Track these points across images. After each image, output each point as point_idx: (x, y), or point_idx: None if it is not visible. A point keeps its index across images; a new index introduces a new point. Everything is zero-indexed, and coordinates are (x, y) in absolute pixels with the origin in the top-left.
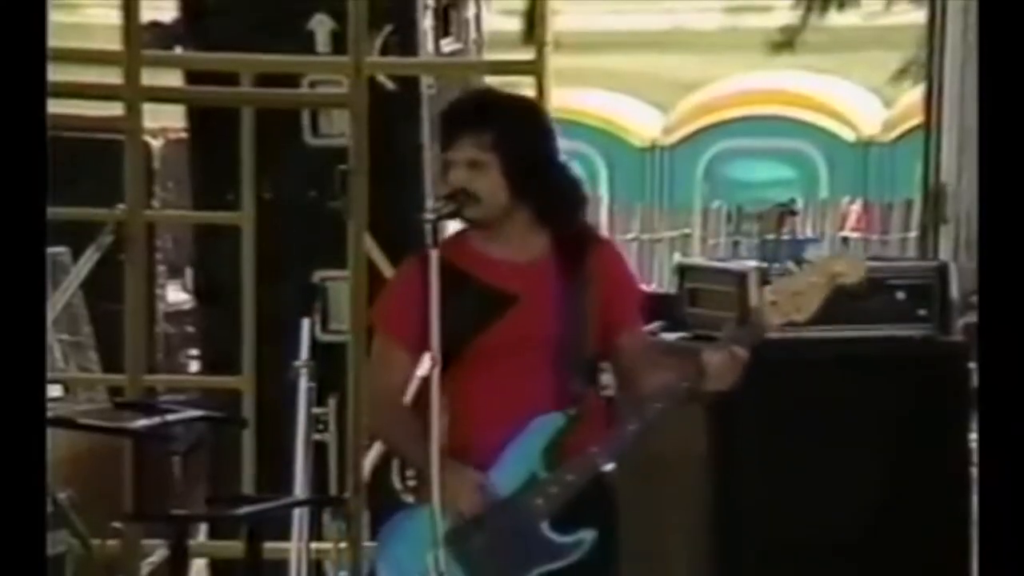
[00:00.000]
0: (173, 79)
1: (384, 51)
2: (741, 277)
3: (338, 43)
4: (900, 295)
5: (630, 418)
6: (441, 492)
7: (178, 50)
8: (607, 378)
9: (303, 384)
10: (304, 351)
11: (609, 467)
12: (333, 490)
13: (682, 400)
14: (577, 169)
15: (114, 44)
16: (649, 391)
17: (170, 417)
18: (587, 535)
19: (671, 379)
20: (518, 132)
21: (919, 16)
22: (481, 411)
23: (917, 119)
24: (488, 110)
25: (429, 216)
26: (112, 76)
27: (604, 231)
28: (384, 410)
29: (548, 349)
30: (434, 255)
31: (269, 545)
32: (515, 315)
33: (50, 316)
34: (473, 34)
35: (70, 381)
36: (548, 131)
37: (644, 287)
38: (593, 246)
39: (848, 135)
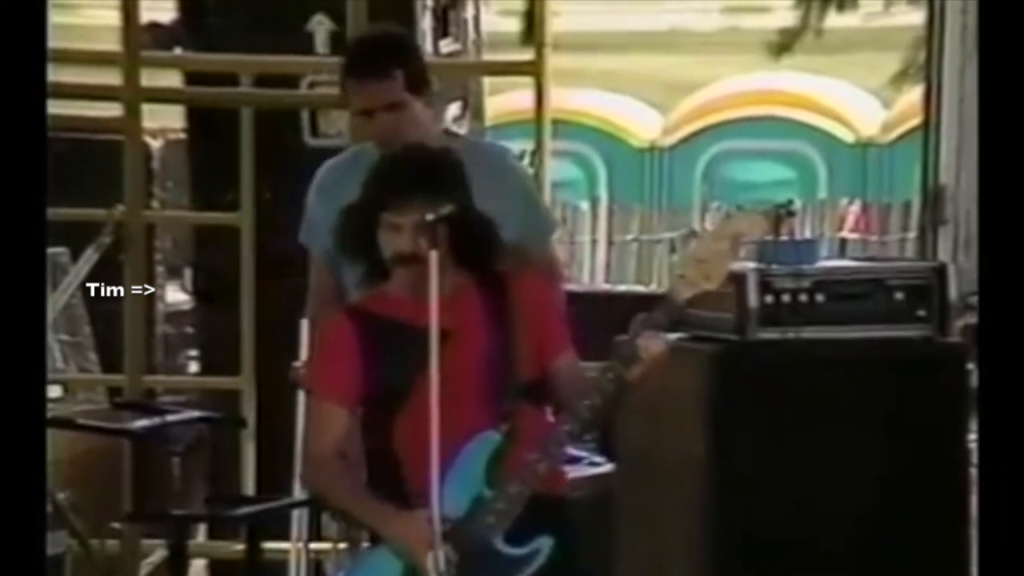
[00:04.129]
0: (172, 80)
1: None
2: (740, 278)
3: (337, 44)
4: (899, 296)
5: (564, 420)
6: (394, 543)
7: (177, 51)
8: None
9: None
10: (304, 351)
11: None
12: None
13: (610, 393)
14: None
15: (113, 45)
16: (579, 389)
17: (169, 418)
18: (544, 542)
19: (597, 376)
20: (457, 191)
21: (917, 17)
22: (422, 448)
23: (916, 120)
24: (435, 172)
25: (429, 217)
26: (111, 77)
27: (603, 232)
28: (323, 469)
29: (477, 377)
30: (434, 256)
31: (268, 545)
32: (448, 350)
33: (50, 317)
34: (472, 35)
35: (70, 382)
36: (467, 178)
37: (564, 307)
38: (513, 279)
39: (847, 136)
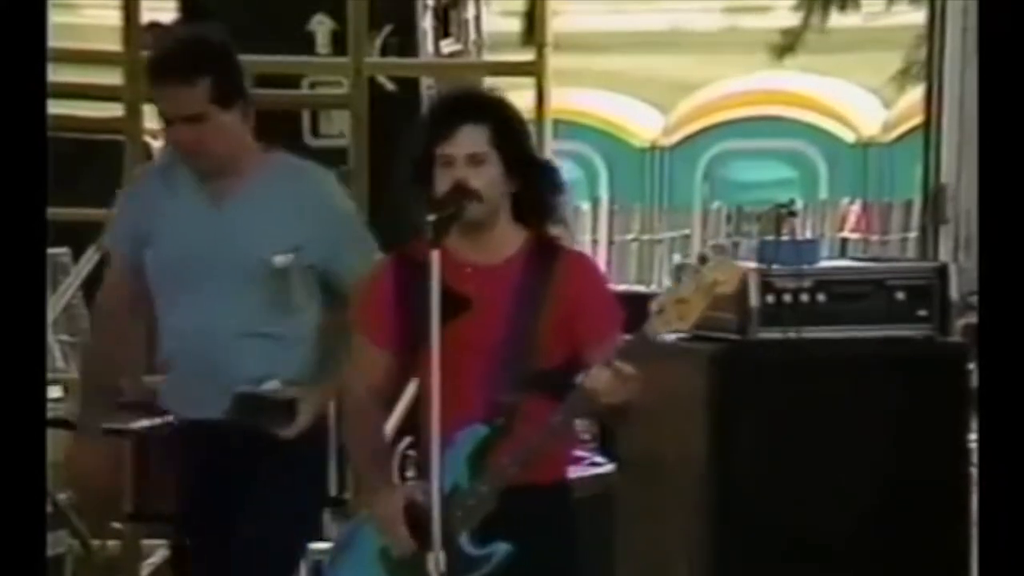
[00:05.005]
0: None
1: (384, 52)
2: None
3: (338, 44)
4: (900, 296)
5: (535, 429)
6: (373, 511)
7: None
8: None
9: None
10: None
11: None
12: (333, 490)
13: (584, 414)
14: (558, 165)
15: (113, 45)
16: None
17: (170, 417)
18: (499, 548)
19: (569, 401)
20: (512, 126)
21: (919, 17)
22: (426, 415)
23: (917, 120)
24: (483, 105)
25: (432, 217)
26: (111, 77)
27: (603, 232)
28: (348, 406)
29: (488, 357)
30: (435, 256)
31: None
32: (465, 320)
33: (50, 317)
34: (473, 35)
35: (70, 382)
36: (528, 127)
37: (618, 307)
38: (565, 257)
39: (848, 136)
